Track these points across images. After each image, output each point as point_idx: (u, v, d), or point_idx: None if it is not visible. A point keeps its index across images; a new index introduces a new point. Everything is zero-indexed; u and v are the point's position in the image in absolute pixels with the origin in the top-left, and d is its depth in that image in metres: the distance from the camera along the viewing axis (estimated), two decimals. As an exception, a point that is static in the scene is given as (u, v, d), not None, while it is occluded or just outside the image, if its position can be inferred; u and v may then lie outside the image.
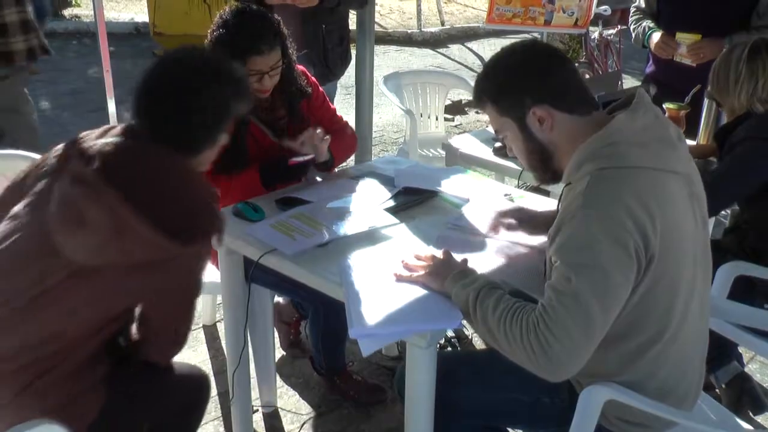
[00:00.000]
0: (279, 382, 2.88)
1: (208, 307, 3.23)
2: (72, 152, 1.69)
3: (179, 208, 1.68)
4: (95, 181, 1.59)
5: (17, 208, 1.73)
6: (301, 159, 2.45)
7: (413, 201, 2.42)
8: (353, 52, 3.60)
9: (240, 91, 1.84)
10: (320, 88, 2.75)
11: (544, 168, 1.77)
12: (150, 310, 1.79)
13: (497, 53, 1.76)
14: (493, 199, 2.38)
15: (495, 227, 2.19)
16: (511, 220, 2.19)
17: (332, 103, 3.73)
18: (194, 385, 2.01)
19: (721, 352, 2.57)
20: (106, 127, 1.82)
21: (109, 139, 1.72)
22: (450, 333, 3.16)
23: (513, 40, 1.84)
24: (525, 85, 1.69)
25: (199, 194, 1.75)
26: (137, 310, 1.82)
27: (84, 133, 1.80)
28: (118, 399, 1.78)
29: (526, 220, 2.18)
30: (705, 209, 1.72)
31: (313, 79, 2.74)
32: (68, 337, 1.69)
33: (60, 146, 1.77)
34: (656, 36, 3.50)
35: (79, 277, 1.63)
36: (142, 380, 1.87)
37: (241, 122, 2.39)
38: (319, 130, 2.49)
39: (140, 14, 9.63)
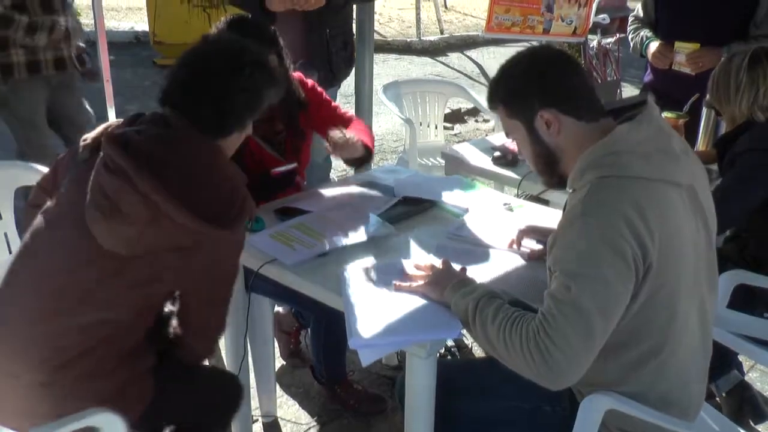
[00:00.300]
0: (279, 391, 2.88)
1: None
2: (104, 141, 1.71)
3: (213, 192, 1.70)
4: (128, 170, 1.61)
5: (51, 205, 1.79)
6: (283, 169, 2.46)
7: (413, 211, 2.42)
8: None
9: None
10: (318, 88, 2.73)
11: (550, 172, 1.78)
12: (188, 296, 1.81)
13: (511, 57, 1.78)
14: (492, 209, 2.39)
15: (508, 241, 2.21)
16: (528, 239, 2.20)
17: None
18: (230, 389, 2.05)
19: (722, 360, 2.57)
20: (133, 115, 1.84)
21: (141, 127, 1.75)
22: (450, 342, 3.15)
23: (512, 49, 1.86)
24: (534, 88, 1.70)
25: (230, 178, 1.77)
26: (175, 307, 1.87)
27: (112, 122, 1.85)
28: (164, 393, 1.81)
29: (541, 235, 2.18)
30: (712, 222, 1.72)
31: (311, 81, 2.72)
32: (114, 323, 1.72)
33: (89, 135, 1.82)
34: (654, 45, 3.51)
35: (121, 262, 1.66)
36: (184, 377, 1.91)
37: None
38: (337, 132, 2.47)
39: (140, 23, 9.66)
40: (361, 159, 2.59)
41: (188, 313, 1.86)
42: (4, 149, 4.02)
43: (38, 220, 1.79)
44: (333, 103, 2.79)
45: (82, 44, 3.75)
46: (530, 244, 2.16)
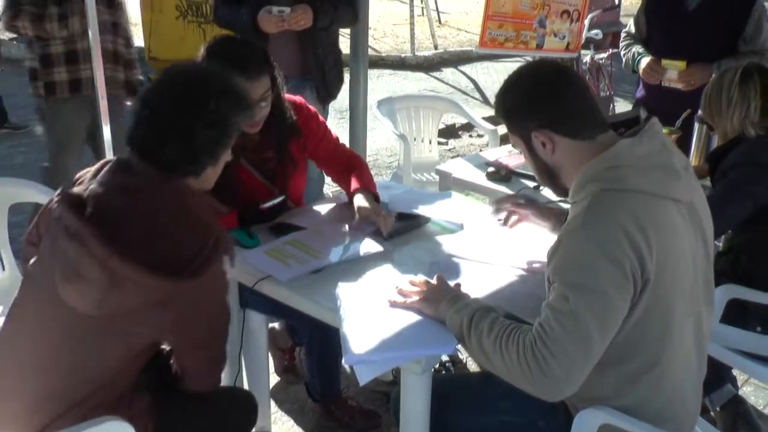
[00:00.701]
0: (273, 407, 2.87)
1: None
2: (65, 200, 1.67)
3: (179, 240, 1.65)
4: (84, 235, 1.58)
5: (34, 262, 1.77)
6: (270, 204, 2.44)
7: (407, 227, 2.43)
8: (346, 74, 3.65)
9: (242, 105, 1.80)
10: (320, 117, 2.68)
11: (553, 185, 1.81)
12: (176, 342, 1.78)
13: (512, 73, 1.80)
14: (487, 225, 2.39)
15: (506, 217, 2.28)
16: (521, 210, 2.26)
17: None
18: (245, 407, 2.04)
19: (716, 375, 2.57)
20: (102, 162, 1.80)
21: (103, 178, 1.71)
22: (444, 357, 3.15)
23: (506, 65, 1.88)
24: (528, 111, 1.73)
25: (197, 221, 1.71)
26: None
27: (81, 173, 1.80)
28: (168, 425, 1.80)
29: (534, 210, 2.24)
30: (710, 238, 1.74)
31: (313, 109, 2.67)
32: (98, 378, 1.70)
33: (60, 190, 1.74)
34: (645, 61, 3.53)
35: (98, 321, 1.63)
36: (189, 407, 1.88)
37: (230, 162, 2.37)
38: (364, 204, 2.38)
39: (134, 39, 9.66)
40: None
41: (180, 357, 1.83)
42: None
43: (24, 278, 1.80)
44: (333, 136, 2.72)
45: (140, 76, 3.92)
46: (517, 262, 2.17)
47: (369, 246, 2.25)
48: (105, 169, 1.75)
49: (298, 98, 2.64)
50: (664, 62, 3.43)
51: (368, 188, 2.48)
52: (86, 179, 1.75)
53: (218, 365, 1.88)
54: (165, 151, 1.70)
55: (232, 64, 2.25)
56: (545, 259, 1.65)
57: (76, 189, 1.72)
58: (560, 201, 2.21)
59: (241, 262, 2.15)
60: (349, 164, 2.63)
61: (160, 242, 1.63)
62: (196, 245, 1.66)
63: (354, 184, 2.50)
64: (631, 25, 3.76)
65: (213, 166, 1.81)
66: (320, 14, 3.28)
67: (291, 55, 3.35)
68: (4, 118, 6.36)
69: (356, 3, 3.53)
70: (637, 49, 3.61)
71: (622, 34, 3.80)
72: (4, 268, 2.71)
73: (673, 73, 3.40)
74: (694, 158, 3.10)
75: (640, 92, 3.74)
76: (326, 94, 3.52)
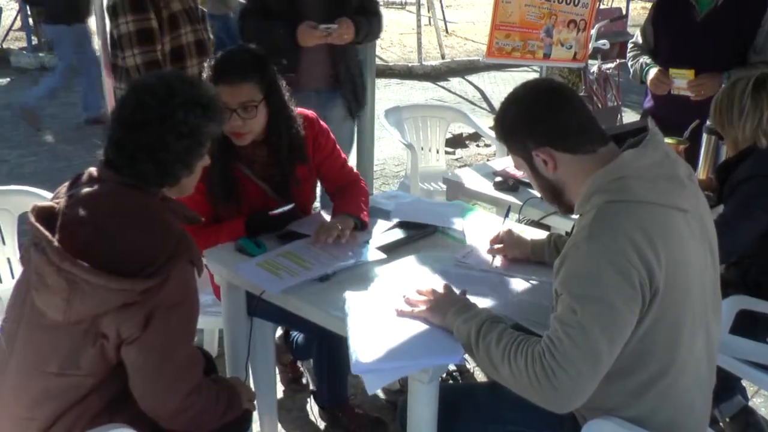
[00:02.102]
0: (280, 416, 2.86)
1: (210, 340, 3.22)
2: (34, 213, 1.71)
3: (134, 246, 1.67)
4: (45, 244, 1.63)
5: (17, 283, 1.81)
6: (280, 211, 2.43)
7: (414, 236, 2.43)
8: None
9: (212, 114, 1.80)
10: (331, 135, 2.65)
11: (558, 202, 1.81)
12: (137, 352, 1.70)
13: (508, 96, 1.81)
14: (493, 234, 2.39)
15: (491, 254, 2.26)
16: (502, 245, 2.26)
17: (353, 138, 3.71)
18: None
19: (725, 385, 2.56)
20: (77, 175, 1.82)
21: (71, 191, 1.75)
22: (452, 366, 3.15)
23: (513, 74, 1.89)
24: (526, 131, 1.74)
25: (158, 225, 1.72)
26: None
27: (59, 188, 1.83)
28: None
29: (513, 243, 2.24)
30: (716, 248, 1.74)
31: (324, 126, 2.64)
32: (80, 385, 1.71)
33: (33, 205, 1.76)
34: (653, 72, 3.52)
35: (66, 328, 1.66)
36: None
37: (225, 168, 2.37)
38: (327, 236, 2.29)
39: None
40: (355, 227, 2.42)
41: (134, 372, 1.71)
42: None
43: (14, 288, 1.82)
44: (342, 157, 2.69)
45: None
46: (523, 271, 2.18)
47: (364, 256, 2.25)
48: (80, 179, 1.78)
49: (310, 113, 2.62)
50: (672, 71, 3.41)
51: (350, 213, 2.42)
52: (61, 193, 1.79)
53: (181, 381, 1.74)
54: (135, 167, 1.72)
55: (218, 64, 2.28)
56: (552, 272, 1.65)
57: (49, 202, 1.76)
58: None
59: (235, 274, 2.16)
60: (346, 186, 2.61)
61: (115, 245, 1.65)
62: (154, 248, 1.67)
63: (339, 207, 2.47)
64: (638, 36, 3.76)
65: (188, 176, 1.83)
66: (359, 28, 3.32)
67: (323, 68, 3.42)
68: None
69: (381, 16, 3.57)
70: (645, 59, 3.60)
71: (629, 45, 3.79)
72: (14, 277, 2.72)
73: (682, 81, 3.38)
74: (702, 169, 3.09)
75: (648, 102, 3.73)
76: (357, 106, 3.60)
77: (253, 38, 3.38)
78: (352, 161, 3.43)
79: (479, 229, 2.47)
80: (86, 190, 1.72)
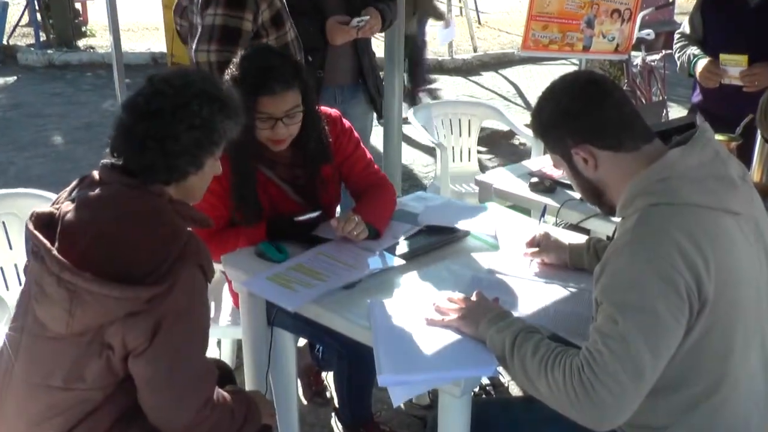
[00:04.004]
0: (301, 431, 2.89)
1: (228, 351, 3.25)
2: (32, 220, 1.74)
3: (137, 251, 1.68)
4: (44, 253, 1.65)
5: (23, 287, 1.83)
6: (307, 216, 2.43)
7: (443, 241, 2.43)
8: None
9: (229, 111, 1.83)
10: (355, 135, 2.69)
11: (599, 203, 1.82)
12: (146, 363, 1.70)
13: (544, 91, 1.82)
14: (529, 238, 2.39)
15: (527, 258, 2.27)
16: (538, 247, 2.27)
17: (369, 135, 3.74)
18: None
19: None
20: (79, 179, 1.85)
21: (72, 195, 1.77)
22: (485, 380, 3.15)
23: (550, 68, 1.90)
24: (565, 128, 1.74)
25: (163, 228, 1.73)
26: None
27: (60, 194, 1.85)
28: None
29: (551, 247, 2.25)
30: None
31: (348, 124, 2.68)
32: (87, 399, 1.73)
33: (32, 211, 1.78)
34: (702, 63, 3.48)
35: (71, 340, 1.68)
36: None
37: (250, 175, 2.40)
38: (340, 223, 2.33)
39: (157, 44, 9.84)
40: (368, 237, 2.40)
41: (143, 385, 1.72)
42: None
43: (19, 295, 1.85)
44: (366, 157, 2.70)
45: None
46: (561, 278, 2.18)
47: (382, 264, 2.25)
48: (82, 183, 1.81)
49: (333, 111, 2.66)
50: (723, 57, 3.36)
51: (365, 220, 2.39)
52: (62, 198, 1.82)
53: (193, 394, 1.75)
54: (144, 157, 1.74)
55: (254, 73, 2.29)
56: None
57: (50, 208, 1.78)
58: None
59: (245, 288, 2.19)
60: (369, 190, 2.62)
61: (118, 251, 1.67)
62: (160, 253, 1.68)
63: (356, 211, 2.45)
64: (685, 25, 3.72)
65: (196, 175, 1.84)
66: (384, 17, 3.39)
67: (347, 62, 3.47)
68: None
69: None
70: (693, 50, 3.57)
71: (676, 35, 3.76)
72: (21, 284, 2.78)
73: (735, 69, 3.33)
74: (756, 168, 3.05)
75: (697, 97, 3.70)
76: (379, 97, 3.65)
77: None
78: (417, 162, 3.39)
79: (513, 234, 2.47)
80: (87, 194, 1.75)
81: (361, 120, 3.54)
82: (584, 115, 1.71)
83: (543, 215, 2.44)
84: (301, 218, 2.41)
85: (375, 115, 3.74)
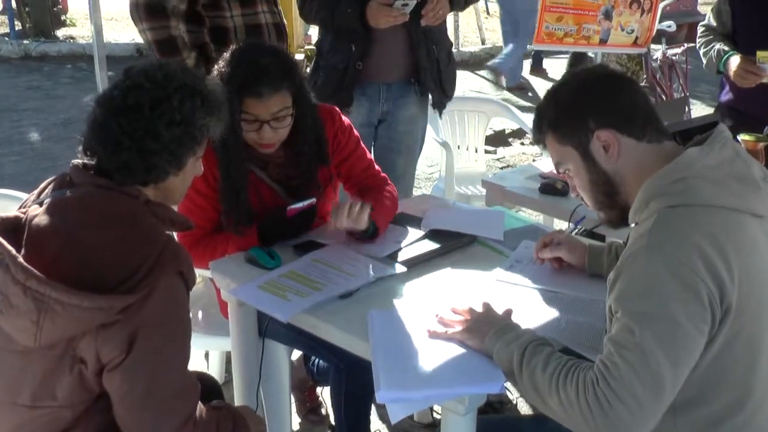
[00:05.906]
0: (295, 452, 2.89)
1: (217, 364, 3.25)
2: (2, 226, 1.72)
3: (110, 257, 1.66)
4: (9, 261, 1.62)
5: None
6: (300, 205, 2.40)
7: (448, 247, 2.43)
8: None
9: (212, 107, 1.82)
10: (354, 133, 2.68)
11: (610, 203, 1.80)
12: (121, 378, 1.69)
13: (559, 80, 1.81)
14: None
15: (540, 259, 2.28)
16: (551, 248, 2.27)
17: (419, 143, 3.58)
18: None
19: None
20: (48, 180, 1.84)
21: (41, 198, 1.77)
22: (491, 396, 3.15)
23: (563, 61, 1.90)
24: (588, 105, 1.72)
25: (139, 232, 1.72)
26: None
27: (28, 197, 1.85)
28: None
29: (567, 246, 2.25)
30: None
31: (347, 122, 2.67)
32: (59, 417, 1.72)
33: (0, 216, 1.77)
34: (735, 61, 3.42)
35: (38, 354, 1.67)
36: None
37: (241, 176, 2.39)
38: (344, 204, 2.34)
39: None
40: (364, 232, 2.41)
41: (119, 402, 1.71)
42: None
43: None
44: (366, 157, 2.70)
45: None
46: (572, 288, 2.19)
47: (380, 271, 2.25)
48: (49, 186, 1.80)
49: (330, 106, 2.65)
50: (760, 55, 3.30)
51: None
52: (30, 201, 1.81)
53: (173, 411, 1.73)
54: (119, 156, 1.73)
55: (242, 72, 2.28)
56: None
57: (16, 212, 1.77)
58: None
59: (234, 297, 2.18)
60: (369, 192, 2.61)
61: (90, 257, 1.66)
62: (135, 258, 1.67)
63: None
64: (710, 17, 3.68)
65: (177, 176, 1.83)
66: None
67: (398, 57, 3.28)
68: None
69: None
70: (722, 46, 3.52)
71: (699, 28, 3.72)
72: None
73: None
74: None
75: (726, 95, 3.66)
76: (444, 98, 3.46)
77: (315, 19, 3.30)
78: (421, 163, 3.28)
79: (523, 239, 2.48)
80: (57, 196, 1.74)
81: (408, 125, 3.44)
82: (614, 93, 1.70)
83: (579, 222, 2.43)
84: (294, 207, 2.39)
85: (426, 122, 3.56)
